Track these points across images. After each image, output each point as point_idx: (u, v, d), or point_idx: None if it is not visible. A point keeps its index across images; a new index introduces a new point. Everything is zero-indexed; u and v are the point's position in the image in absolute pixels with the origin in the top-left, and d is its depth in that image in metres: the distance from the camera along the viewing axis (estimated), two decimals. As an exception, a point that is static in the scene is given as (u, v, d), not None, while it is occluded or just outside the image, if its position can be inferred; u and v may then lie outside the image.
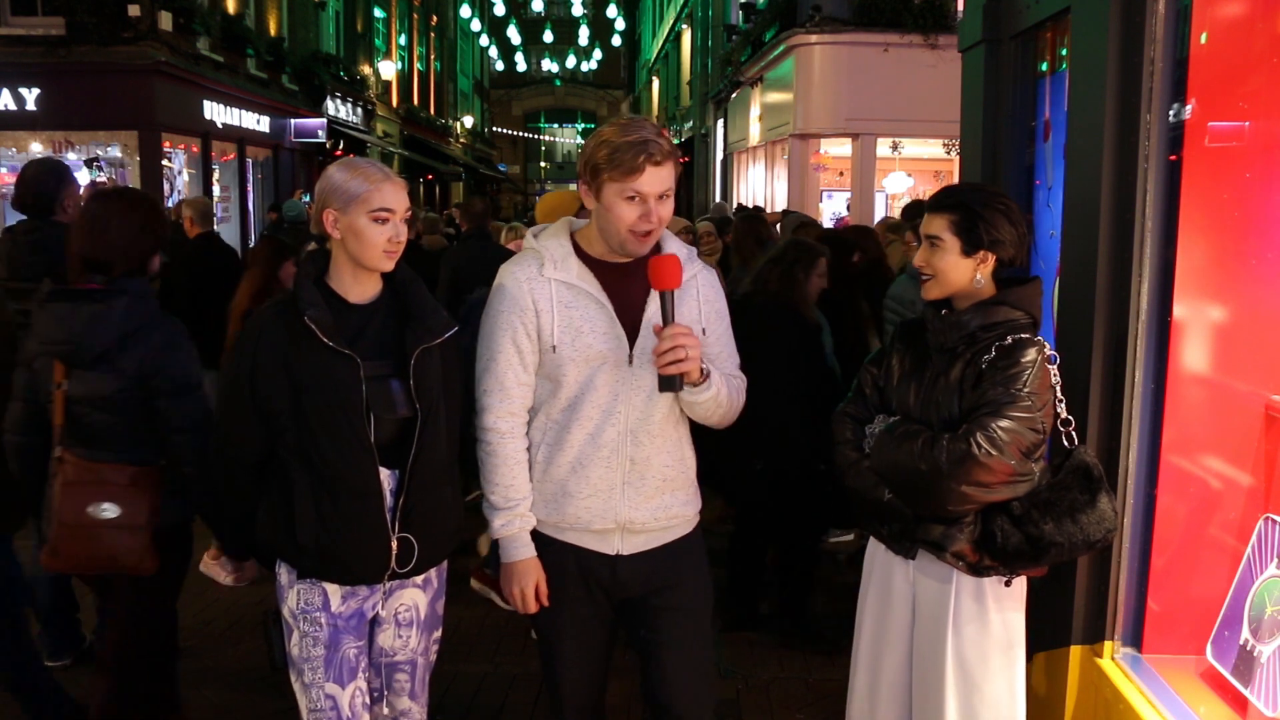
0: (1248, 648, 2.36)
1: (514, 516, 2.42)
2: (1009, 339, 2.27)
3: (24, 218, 3.99)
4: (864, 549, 2.64)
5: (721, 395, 2.37)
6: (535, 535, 2.45)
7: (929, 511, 2.31)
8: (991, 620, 2.35)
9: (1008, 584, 2.35)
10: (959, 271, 2.34)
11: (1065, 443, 2.33)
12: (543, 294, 2.35)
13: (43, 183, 3.90)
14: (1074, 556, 2.32)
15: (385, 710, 2.55)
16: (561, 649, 2.49)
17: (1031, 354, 2.24)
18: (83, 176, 3.92)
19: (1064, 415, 2.31)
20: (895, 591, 2.47)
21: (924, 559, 2.39)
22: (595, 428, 2.37)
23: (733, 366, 2.51)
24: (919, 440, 2.26)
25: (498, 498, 2.42)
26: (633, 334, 2.36)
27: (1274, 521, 2.40)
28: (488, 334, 2.41)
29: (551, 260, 2.37)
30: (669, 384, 2.25)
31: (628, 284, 2.38)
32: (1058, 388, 2.30)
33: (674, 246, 2.43)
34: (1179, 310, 2.54)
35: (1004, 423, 2.18)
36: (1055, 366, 2.29)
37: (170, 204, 14.19)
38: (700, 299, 2.43)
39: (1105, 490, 2.28)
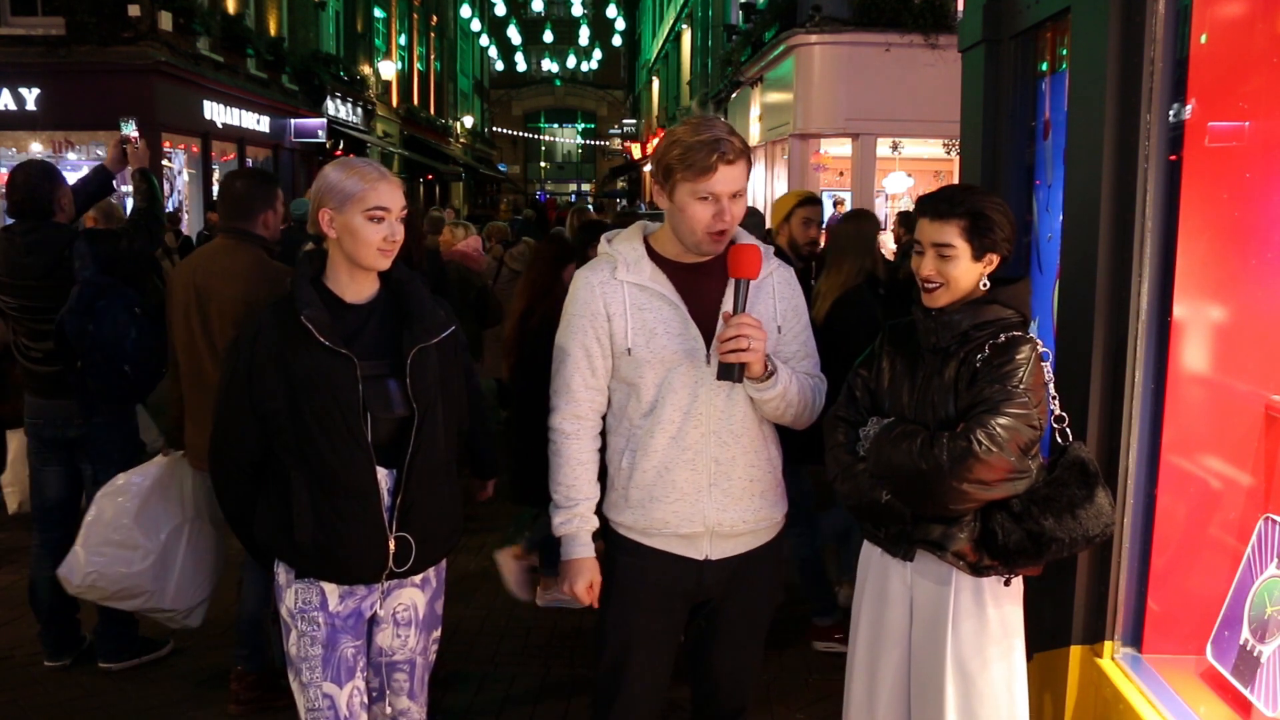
0: (1248, 648, 2.36)
1: (573, 515, 2.44)
2: (1002, 337, 2.27)
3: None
4: None
5: (790, 394, 2.35)
6: (621, 540, 2.46)
7: (929, 511, 2.30)
8: (990, 617, 2.34)
9: (1007, 583, 2.35)
10: (970, 277, 2.33)
11: (1059, 439, 2.33)
12: (615, 298, 2.35)
13: (37, 186, 3.87)
14: (1073, 552, 2.31)
15: (385, 710, 2.55)
16: (629, 660, 2.46)
17: (1025, 351, 2.24)
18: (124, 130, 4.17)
19: (1057, 412, 2.32)
20: (892, 594, 2.45)
21: (922, 560, 2.38)
22: (678, 430, 2.36)
23: (811, 366, 2.50)
24: (918, 440, 2.25)
25: (560, 496, 2.45)
26: (708, 334, 2.35)
27: (1274, 521, 2.39)
28: (561, 338, 2.43)
29: (624, 263, 2.37)
30: (727, 372, 2.24)
31: (702, 284, 2.38)
32: (1051, 384, 2.30)
33: (749, 241, 2.42)
34: (1179, 310, 2.54)
35: (1002, 420, 2.18)
36: (1048, 363, 2.29)
37: (171, 206, 14.23)
38: (776, 296, 2.43)
39: (1102, 485, 2.28)
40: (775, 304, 2.43)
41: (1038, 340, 2.29)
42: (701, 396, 2.35)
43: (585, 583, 2.44)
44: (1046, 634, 2.75)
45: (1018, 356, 2.23)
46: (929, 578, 2.38)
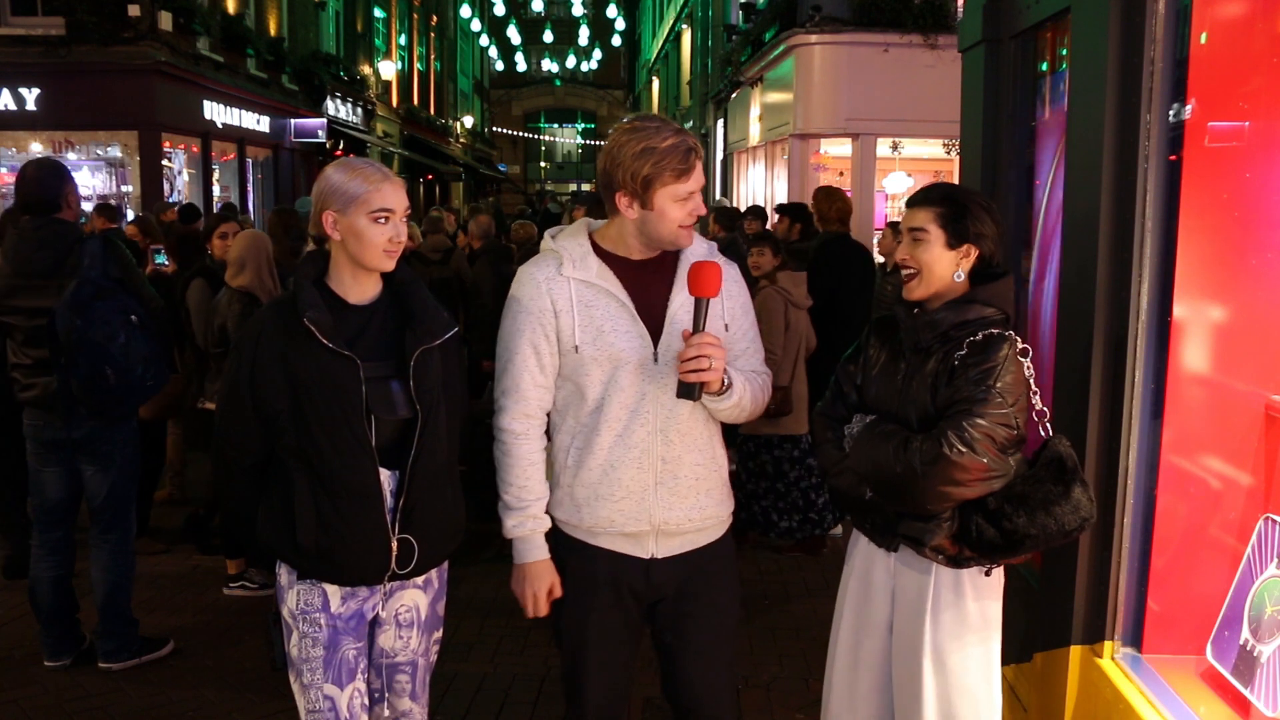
0: (1248, 648, 2.36)
1: (526, 517, 2.40)
2: (979, 335, 2.29)
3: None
4: None
5: (744, 400, 2.36)
6: (567, 539, 2.44)
7: (908, 509, 2.33)
8: (969, 609, 2.37)
9: (987, 574, 2.38)
10: (943, 265, 2.35)
11: (1041, 433, 2.34)
12: (561, 294, 2.33)
13: (45, 182, 3.90)
14: (1051, 545, 2.33)
15: (386, 711, 2.55)
16: (586, 657, 2.45)
17: (1004, 350, 2.26)
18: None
19: (1039, 407, 2.33)
20: (876, 582, 2.50)
21: (905, 551, 2.42)
22: (624, 428, 2.35)
23: (757, 362, 2.51)
24: (893, 441, 2.28)
25: (510, 497, 2.41)
26: (655, 332, 2.35)
27: (1274, 521, 2.40)
28: (506, 336, 2.39)
29: (570, 260, 2.35)
30: (687, 391, 2.24)
31: (649, 281, 2.37)
32: (1031, 380, 2.31)
33: (700, 246, 2.42)
34: (1179, 310, 2.54)
35: (977, 420, 2.20)
36: (1028, 360, 2.30)
37: (173, 203, 14.23)
38: (724, 294, 2.41)
39: (1079, 480, 2.29)
40: (724, 302, 2.42)
41: (1016, 338, 2.30)
42: (648, 395, 2.34)
43: (544, 588, 2.41)
44: (1046, 634, 2.75)
45: (995, 355, 2.25)
46: (912, 568, 2.42)
